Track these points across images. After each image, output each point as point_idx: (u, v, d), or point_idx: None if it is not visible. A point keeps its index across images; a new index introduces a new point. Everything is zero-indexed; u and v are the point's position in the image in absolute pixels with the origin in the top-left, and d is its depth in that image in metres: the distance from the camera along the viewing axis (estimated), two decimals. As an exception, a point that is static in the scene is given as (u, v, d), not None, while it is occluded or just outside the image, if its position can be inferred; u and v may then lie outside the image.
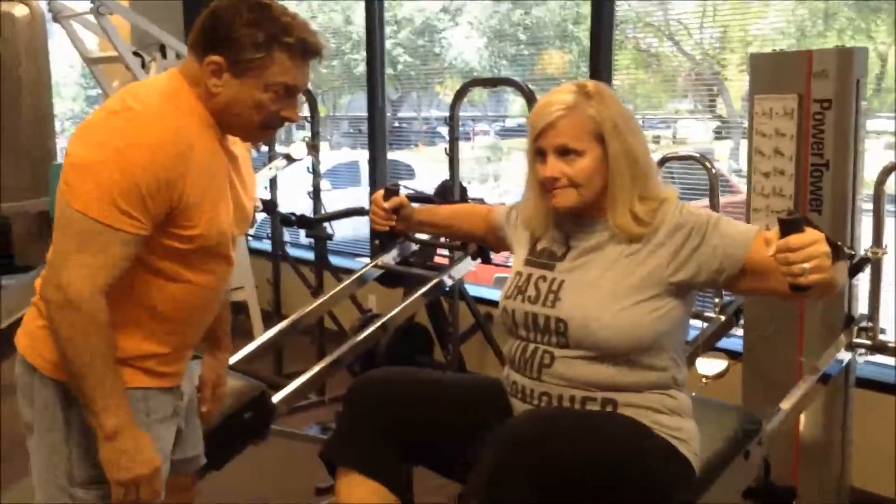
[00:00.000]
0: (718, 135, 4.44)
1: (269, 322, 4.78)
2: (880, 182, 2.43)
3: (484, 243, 2.46)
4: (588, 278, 1.71)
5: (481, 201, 2.87)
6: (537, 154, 1.74)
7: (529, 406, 1.73)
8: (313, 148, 4.14)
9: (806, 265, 1.32)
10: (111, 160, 1.43)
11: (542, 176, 1.72)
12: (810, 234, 1.34)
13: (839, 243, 1.43)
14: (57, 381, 1.55)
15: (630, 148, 1.69)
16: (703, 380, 2.24)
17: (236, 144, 1.67)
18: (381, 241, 3.68)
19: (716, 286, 1.73)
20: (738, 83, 4.21)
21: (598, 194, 1.71)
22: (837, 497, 2.63)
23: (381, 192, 2.04)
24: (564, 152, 1.69)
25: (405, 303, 3.14)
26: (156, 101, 1.51)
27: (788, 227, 1.34)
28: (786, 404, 2.19)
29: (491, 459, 1.50)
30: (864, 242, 2.48)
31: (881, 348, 2.47)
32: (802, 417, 2.50)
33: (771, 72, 2.56)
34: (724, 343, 2.70)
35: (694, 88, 4.15)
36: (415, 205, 2.12)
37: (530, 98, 3.22)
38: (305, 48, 1.54)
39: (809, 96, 2.45)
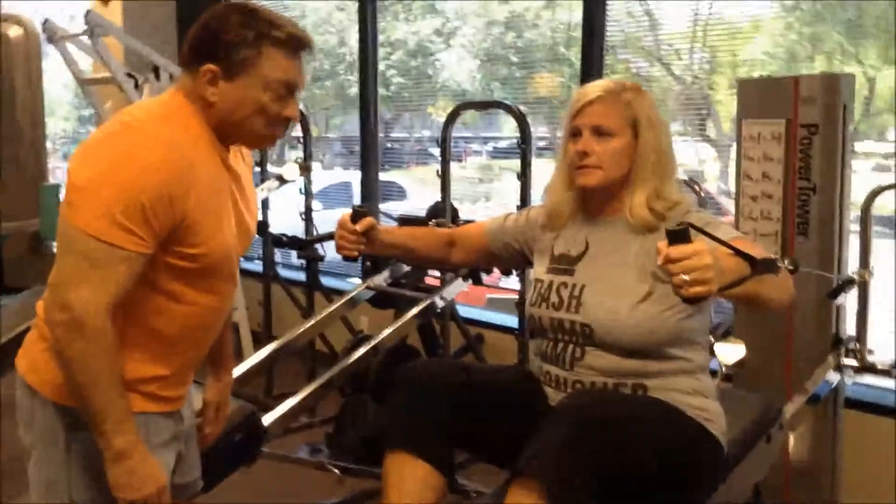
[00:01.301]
0: (710, 157, 4.48)
1: (259, 343, 4.78)
2: (867, 205, 2.46)
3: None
4: (607, 280, 1.78)
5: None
6: (571, 135, 1.83)
7: (563, 394, 1.80)
8: (305, 169, 4.15)
9: (685, 277, 1.31)
10: (111, 178, 1.42)
11: (573, 151, 1.80)
12: (691, 246, 1.32)
13: (770, 257, 1.42)
14: (57, 405, 1.54)
15: (660, 143, 1.81)
16: (724, 367, 2.26)
17: (238, 162, 1.67)
18: (372, 262, 3.69)
19: None
20: (727, 105, 4.24)
21: (621, 181, 1.81)
22: (828, 517, 2.64)
23: (347, 215, 1.90)
24: (599, 132, 1.79)
25: (396, 324, 3.15)
26: (155, 120, 1.51)
27: (672, 237, 1.33)
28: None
29: (556, 437, 1.54)
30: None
31: (869, 369, 2.50)
32: (792, 438, 2.51)
33: (758, 97, 2.60)
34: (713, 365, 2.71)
35: (684, 111, 4.19)
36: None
37: (521, 120, 3.25)
38: (295, 41, 1.55)
39: (797, 121, 2.48)
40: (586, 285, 1.79)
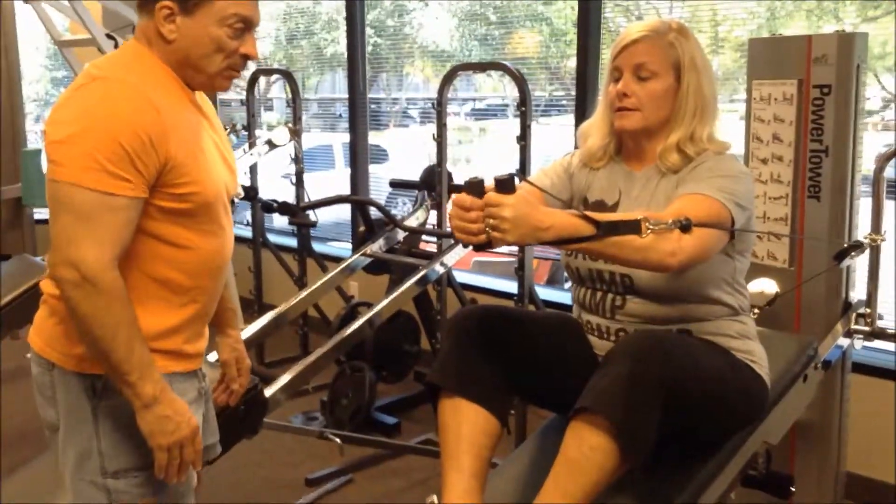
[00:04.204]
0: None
1: (249, 310, 4.72)
2: (879, 169, 2.42)
3: None
4: None
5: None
6: (612, 76, 1.81)
7: (607, 342, 1.81)
8: (295, 133, 4.05)
9: (491, 221, 1.42)
10: (90, 129, 1.43)
11: (613, 93, 1.79)
12: (497, 196, 1.41)
13: (632, 219, 1.47)
14: (79, 374, 1.55)
15: (702, 87, 1.78)
16: (755, 309, 2.24)
17: (205, 103, 1.68)
18: (366, 227, 3.60)
19: None
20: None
21: (660, 124, 1.79)
22: (834, 482, 2.64)
23: (464, 195, 1.46)
24: (640, 73, 1.76)
25: (394, 294, 3.09)
26: (120, 69, 1.52)
27: (498, 185, 1.43)
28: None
29: (622, 373, 1.55)
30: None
31: (879, 334, 2.48)
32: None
33: (769, 57, 2.54)
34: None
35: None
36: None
37: (520, 82, 3.17)
38: None
39: (809, 81, 2.43)
40: None
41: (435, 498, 1.66)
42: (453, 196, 1.56)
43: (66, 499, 1.63)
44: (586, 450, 1.54)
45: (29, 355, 1.63)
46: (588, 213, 1.50)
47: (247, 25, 1.56)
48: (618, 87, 1.78)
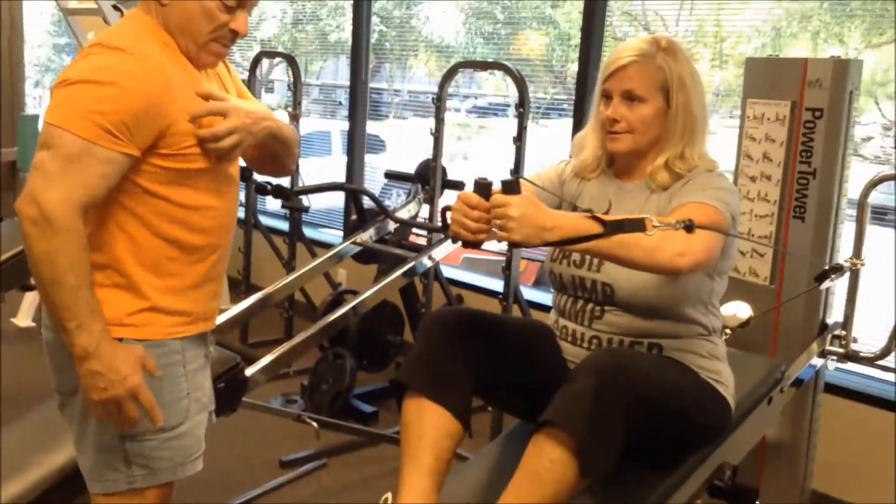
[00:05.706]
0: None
1: (237, 290, 4.74)
2: (865, 194, 2.46)
3: None
4: None
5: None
6: (603, 96, 1.84)
7: (580, 349, 1.84)
8: (294, 118, 4.07)
9: (497, 222, 1.46)
10: (96, 85, 1.46)
11: (604, 116, 1.82)
12: (503, 197, 1.45)
13: (635, 218, 1.51)
14: None
15: (690, 106, 1.80)
16: (727, 330, 2.28)
17: (219, 68, 1.71)
18: (359, 217, 3.63)
19: None
20: (708, 78, 4.24)
21: (650, 144, 1.83)
22: (799, 499, 2.69)
23: (469, 193, 1.51)
24: (629, 97, 1.79)
25: (381, 283, 3.12)
26: (130, 38, 1.55)
27: (504, 186, 1.47)
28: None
29: (586, 390, 1.57)
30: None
31: (853, 357, 2.52)
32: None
33: (765, 77, 2.57)
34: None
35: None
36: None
37: (521, 83, 3.20)
38: None
39: (802, 104, 2.47)
40: None
41: (389, 496, 1.66)
42: (460, 192, 1.57)
43: (76, 458, 1.68)
44: (546, 462, 1.56)
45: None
46: (594, 214, 1.54)
47: (240, 3, 1.59)
48: (607, 112, 1.81)
